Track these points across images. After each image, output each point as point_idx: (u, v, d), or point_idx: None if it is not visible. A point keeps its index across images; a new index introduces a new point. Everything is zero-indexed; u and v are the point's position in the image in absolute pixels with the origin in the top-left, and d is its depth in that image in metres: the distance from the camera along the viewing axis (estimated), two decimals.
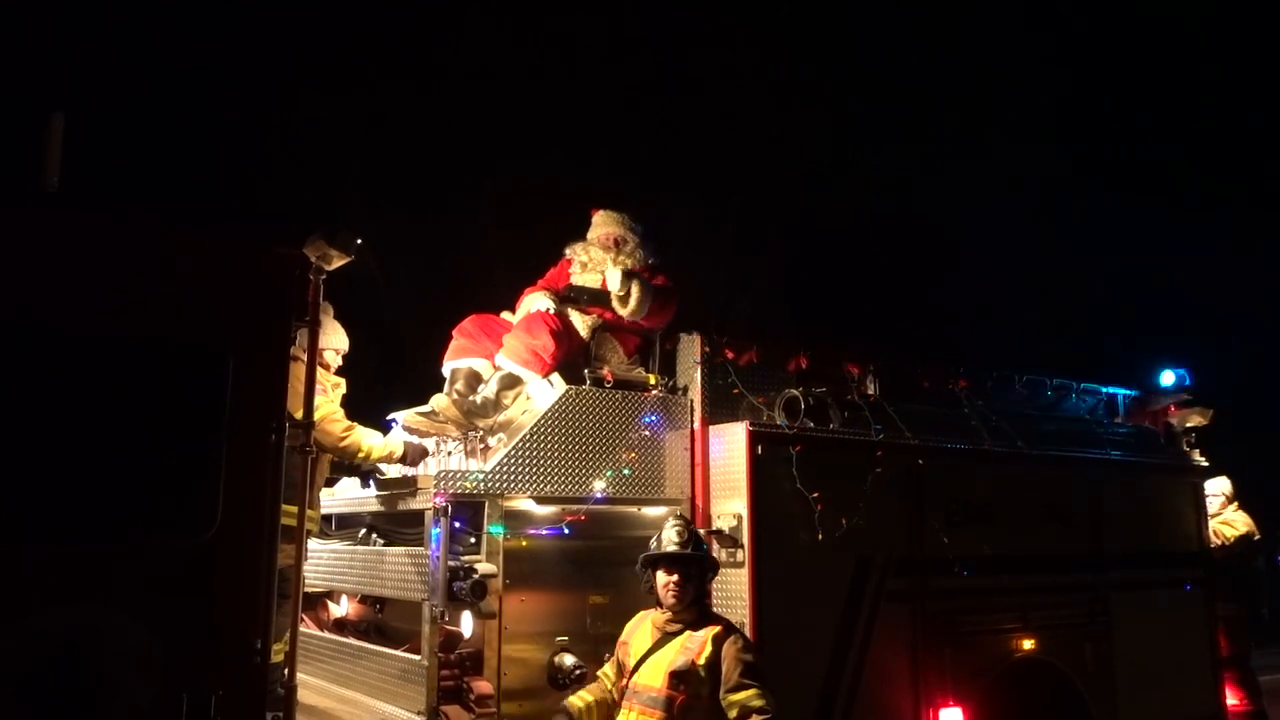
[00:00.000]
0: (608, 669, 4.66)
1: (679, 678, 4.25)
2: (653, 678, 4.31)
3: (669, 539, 4.53)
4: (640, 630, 4.55)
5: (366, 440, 5.54)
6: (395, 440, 5.51)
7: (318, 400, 5.27)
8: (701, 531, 4.76)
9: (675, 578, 4.45)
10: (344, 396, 5.73)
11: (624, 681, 4.44)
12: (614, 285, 5.87)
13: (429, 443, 5.92)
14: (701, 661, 4.27)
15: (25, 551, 3.68)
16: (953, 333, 14.68)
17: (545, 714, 5.00)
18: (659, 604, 4.53)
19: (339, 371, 5.81)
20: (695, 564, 4.52)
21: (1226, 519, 8.60)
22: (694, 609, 4.47)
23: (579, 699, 4.58)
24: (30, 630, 3.59)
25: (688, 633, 4.39)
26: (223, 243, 4.32)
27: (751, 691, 4.22)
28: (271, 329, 4.27)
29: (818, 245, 15.29)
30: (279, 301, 4.33)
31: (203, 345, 4.11)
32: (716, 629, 4.39)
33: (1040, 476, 7.00)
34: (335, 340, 5.70)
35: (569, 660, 5.05)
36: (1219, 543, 8.37)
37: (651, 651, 4.38)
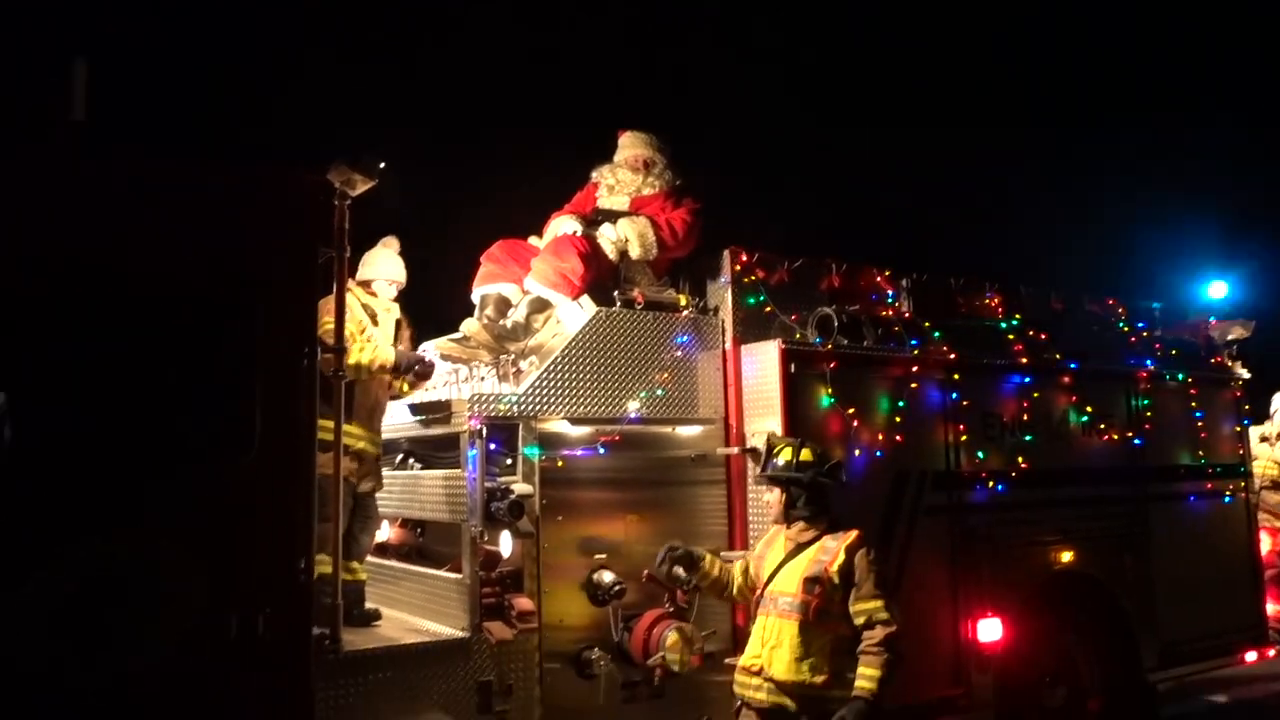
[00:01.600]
0: (738, 570, 4.90)
1: (812, 583, 4.47)
2: (788, 584, 4.53)
3: (775, 463, 4.76)
4: (774, 544, 4.75)
5: (367, 353, 5.24)
6: (384, 349, 5.29)
7: (369, 331, 5.29)
8: (784, 448, 4.80)
9: (772, 496, 4.73)
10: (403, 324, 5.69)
11: (758, 592, 4.66)
12: (610, 236, 5.78)
13: (459, 368, 5.93)
14: (834, 568, 4.48)
15: (73, 479, 3.77)
16: (989, 248, 14.45)
17: (584, 629, 5.10)
18: None
19: (398, 300, 5.71)
20: (772, 482, 4.72)
21: None
22: (823, 520, 4.66)
23: (710, 557, 4.91)
24: (82, 554, 3.69)
25: (821, 542, 4.59)
26: (249, 172, 4.34)
27: (879, 603, 4.43)
28: (299, 257, 4.29)
29: (850, 161, 15.00)
30: (305, 229, 4.34)
31: (233, 274, 4.14)
32: (850, 539, 4.58)
33: (1078, 389, 6.93)
34: (386, 269, 5.61)
35: (608, 577, 5.11)
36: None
37: (785, 561, 4.60)
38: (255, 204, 4.23)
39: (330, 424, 4.55)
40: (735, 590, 4.89)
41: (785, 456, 4.76)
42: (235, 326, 4.12)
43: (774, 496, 4.74)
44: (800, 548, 4.64)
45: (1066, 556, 6.61)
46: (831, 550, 4.56)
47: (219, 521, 3.99)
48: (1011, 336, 6.83)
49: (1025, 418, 6.63)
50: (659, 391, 5.50)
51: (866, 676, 4.32)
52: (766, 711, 4.53)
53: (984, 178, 16.16)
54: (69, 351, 3.83)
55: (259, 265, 4.16)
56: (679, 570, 4.85)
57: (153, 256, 3.99)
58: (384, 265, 5.63)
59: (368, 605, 5.27)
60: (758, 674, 4.53)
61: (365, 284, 5.56)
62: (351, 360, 5.01)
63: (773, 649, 4.49)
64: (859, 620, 4.43)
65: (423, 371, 5.54)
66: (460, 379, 5.97)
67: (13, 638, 3.55)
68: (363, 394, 5.22)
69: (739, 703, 4.71)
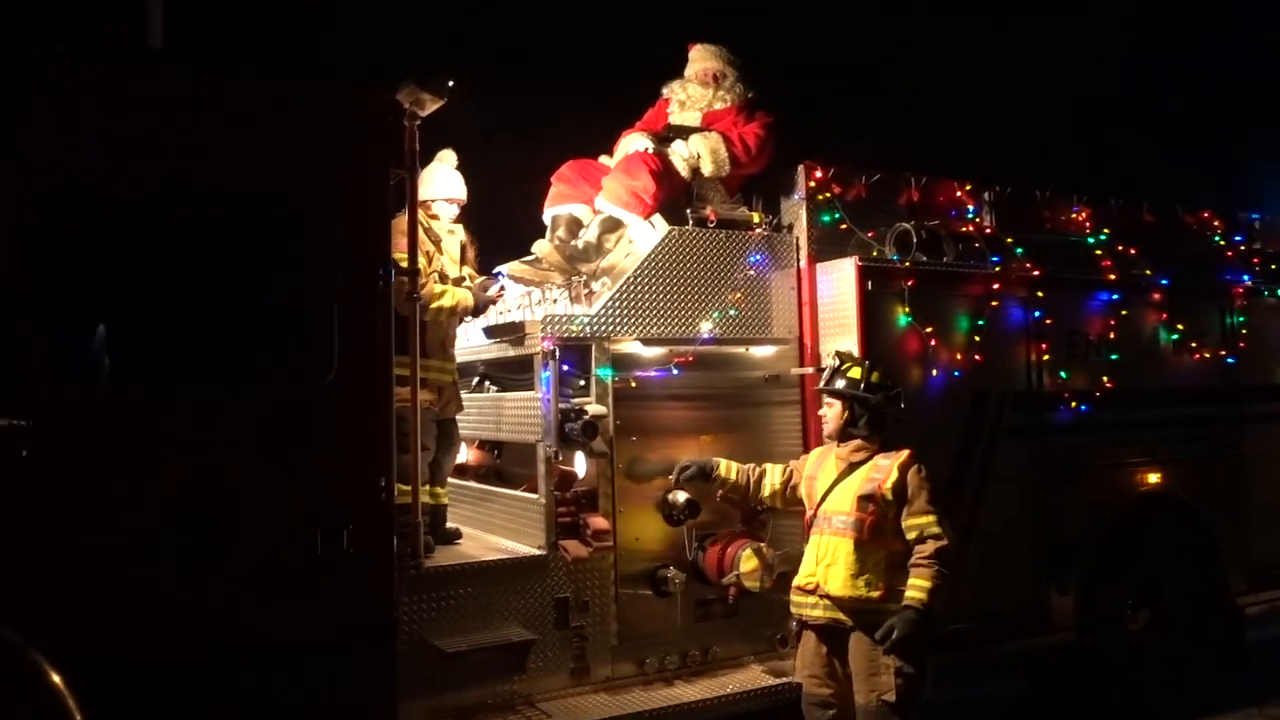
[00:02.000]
0: (775, 474, 5.02)
1: (867, 500, 4.54)
2: (842, 503, 4.59)
3: (825, 374, 4.88)
4: (825, 464, 4.81)
5: (447, 300, 5.21)
6: (461, 291, 5.25)
7: (436, 261, 5.25)
8: (854, 366, 4.84)
9: (829, 410, 4.79)
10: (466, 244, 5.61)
11: (811, 513, 4.73)
12: (682, 153, 5.64)
13: (533, 290, 5.92)
14: (888, 485, 4.55)
15: (162, 400, 3.88)
16: (1075, 161, 13.81)
17: (659, 548, 5.15)
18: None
19: (459, 220, 5.62)
20: (837, 395, 4.77)
21: None
22: (877, 441, 4.72)
23: (725, 464, 5.05)
24: (174, 473, 3.81)
25: (874, 461, 4.66)
26: (320, 92, 4.33)
27: (931, 518, 4.52)
28: (370, 178, 4.29)
29: (931, 66, 14.33)
30: (376, 149, 4.33)
31: (306, 195, 4.16)
32: (903, 457, 4.64)
33: (1169, 306, 6.67)
34: (444, 187, 5.47)
35: (682, 497, 5.12)
36: None
37: (838, 481, 4.66)
38: (327, 125, 4.22)
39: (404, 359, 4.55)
40: (767, 493, 5.01)
41: (855, 374, 4.80)
42: (311, 249, 4.15)
43: (834, 411, 4.79)
44: (853, 467, 4.70)
45: (1153, 478, 6.44)
46: (884, 468, 4.62)
47: (302, 442, 4.08)
48: (1099, 251, 6.59)
49: (1112, 336, 6.40)
50: (732, 311, 5.43)
51: (917, 587, 4.43)
52: (823, 628, 4.60)
53: (1073, 81, 15.33)
54: (159, 272, 3.92)
55: (332, 187, 4.18)
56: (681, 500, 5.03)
57: (229, 177, 4.03)
58: (441, 183, 5.47)
59: (448, 525, 5.37)
60: (812, 592, 4.60)
61: (424, 205, 5.32)
62: (433, 305, 5.05)
63: (828, 566, 4.55)
64: (911, 535, 4.52)
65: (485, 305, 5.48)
66: (533, 301, 5.97)
67: (128, 547, 3.71)
68: (434, 328, 5.20)
69: (796, 623, 4.77)
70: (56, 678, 3.53)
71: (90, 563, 3.68)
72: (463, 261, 5.56)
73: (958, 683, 5.75)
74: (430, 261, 5.22)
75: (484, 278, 5.58)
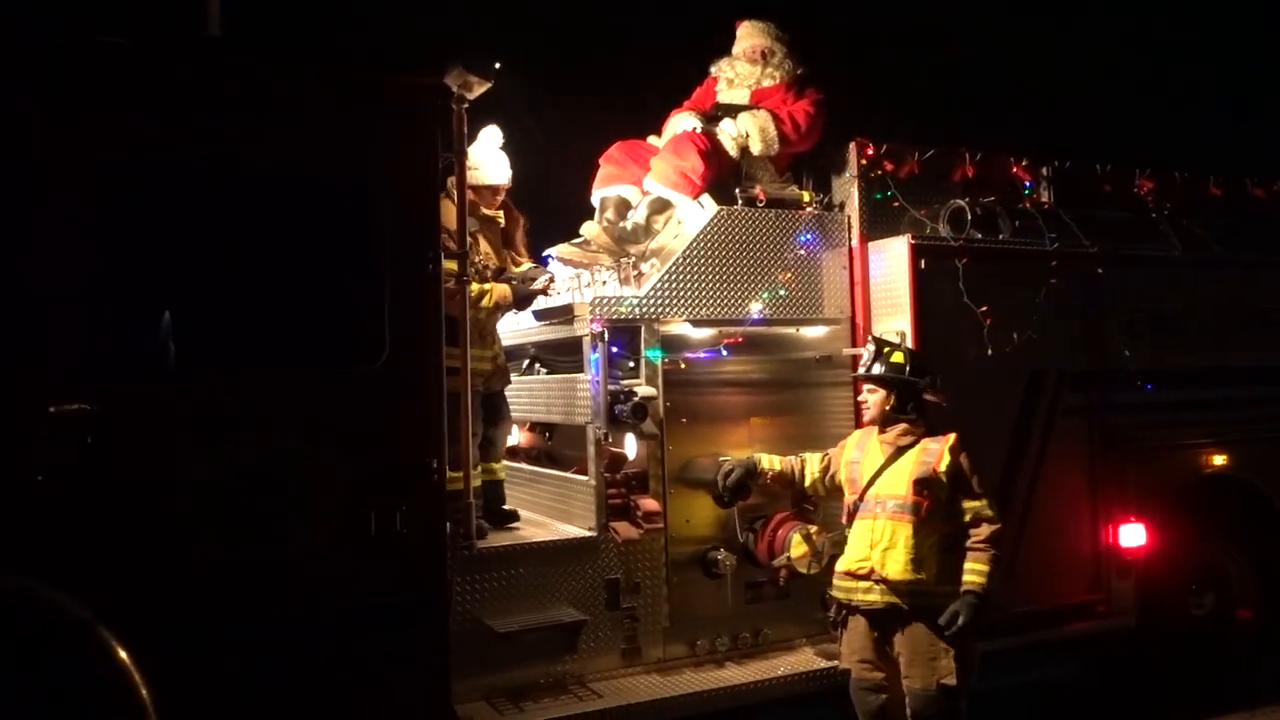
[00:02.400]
0: (812, 463, 5.00)
1: (923, 484, 4.52)
2: (896, 487, 4.56)
3: (862, 359, 4.82)
4: (868, 448, 4.75)
5: (488, 299, 5.13)
6: (500, 287, 5.14)
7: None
8: (896, 351, 4.78)
9: (872, 396, 4.72)
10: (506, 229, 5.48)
11: (855, 497, 4.68)
12: (730, 132, 5.57)
13: (581, 274, 5.90)
14: (942, 469, 4.53)
15: (220, 383, 3.95)
16: (1137, 131, 13.39)
17: (709, 530, 5.14)
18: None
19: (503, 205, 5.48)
20: (879, 381, 4.70)
21: None
22: (921, 423, 4.69)
23: (767, 458, 5.05)
24: (230, 452, 3.89)
25: (922, 444, 4.63)
26: (369, 77, 4.34)
27: (984, 501, 4.56)
28: (419, 161, 4.31)
29: (986, 38, 13.92)
30: (425, 133, 4.34)
31: (356, 180, 4.20)
32: (952, 441, 4.62)
33: (1237, 283, 6.47)
34: (487, 174, 5.32)
35: (731, 479, 5.09)
36: None
37: (887, 464, 4.63)
38: (377, 109, 4.24)
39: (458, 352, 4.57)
40: (807, 483, 5.00)
41: (898, 359, 4.73)
42: (362, 233, 4.19)
43: (876, 398, 4.72)
44: (900, 451, 4.65)
45: (1219, 459, 6.28)
46: (935, 452, 4.59)
47: (355, 424, 4.12)
48: (1163, 226, 6.39)
49: (1176, 314, 6.23)
50: (782, 291, 5.38)
51: (977, 572, 4.43)
52: (879, 613, 4.54)
53: (1136, 50, 14.82)
54: (216, 257, 4.00)
55: (381, 171, 4.21)
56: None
57: (282, 162, 4.07)
58: (482, 169, 5.26)
59: (506, 507, 5.36)
60: (866, 577, 4.54)
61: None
62: (482, 304, 5.01)
63: (885, 550, 4.50)
64: (966, 518, 4.53)
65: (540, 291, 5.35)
66: (582, 283, 5.97)
67: (189, 526, 3.80)
68: (472, 321, 5.08)
69: (840, 608, 4.68)
70: (124, 653, 3.64)
71: (154, 541, 3.77)
72: (510, 246, 5.50)
73: (1012, 668, 5.67)
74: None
75: (531, 265, 5.52)
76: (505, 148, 5.40)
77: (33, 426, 3.65)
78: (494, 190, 5.35)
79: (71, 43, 3.84)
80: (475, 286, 4.95)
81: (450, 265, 4.53)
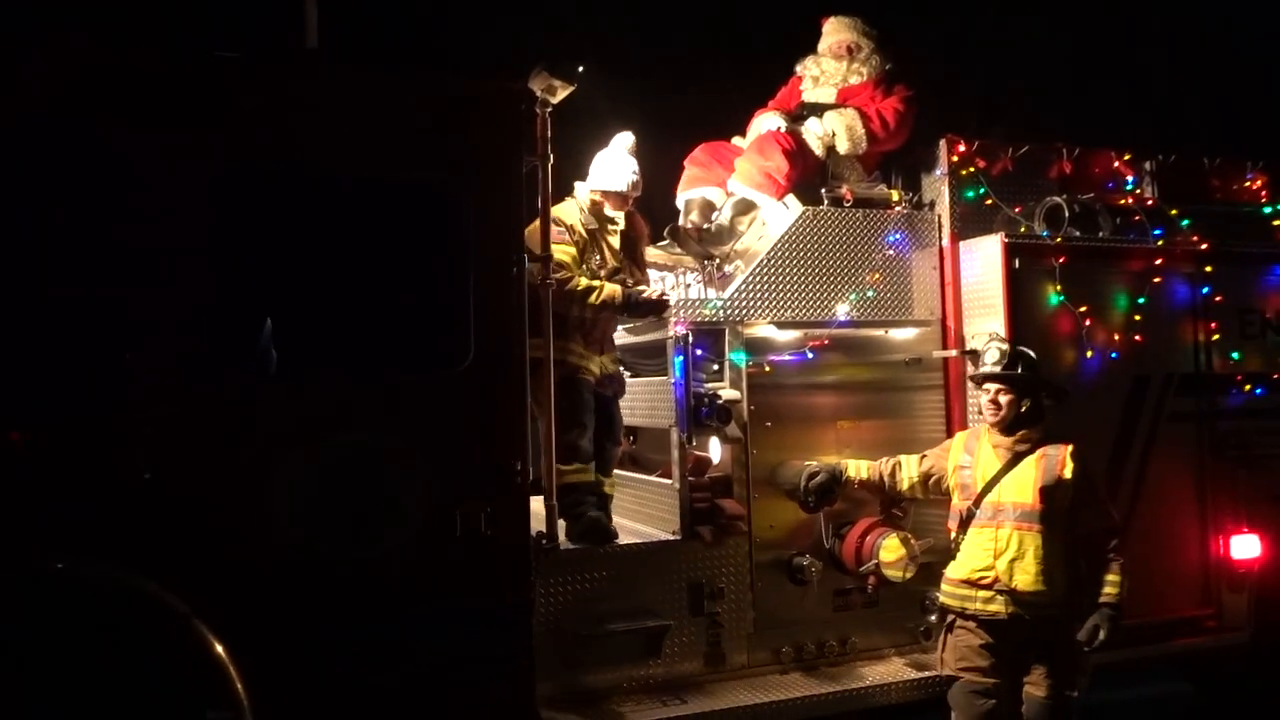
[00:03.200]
0: (911, 465, 4.88)
1: (1050, 492, 4.42)
2: (1022, 494, 4.45)
3: (989, 359, 4.63)
4: (981, 452, 4.62)
5: (595, 296, 4.92)
6: (611, 286, 4.94)
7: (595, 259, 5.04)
8: (1025, 356, 4.64)
9: (990, 395, 4.57)
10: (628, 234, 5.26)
11: (970, 503, 4.56)
12: (816, 131, 5.48)
13: (668, 277, 5.88)
14: (1068, 475, 4.45)
15: (311, 385, 4.05)
16: (1247, 123, 12.74)
17: (795, 535, 5.06)
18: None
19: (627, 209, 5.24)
20: (1011, 383, 4.55)
21: None
22: (1040, 428, 4.57)
23: (854, 464, 4.97)
24: (320, 453, 3.97)
25: (1042, 450, 4.51)
26: (457, 83, 4.41)
27: (1107, 509, 4.56)
28: (504, 165, 4.35)
29: (1085, 27, 13.38)
30: (509, 137, 4.38)
31: (442, 185, 4.26)
32: (1073, 447, 4.52)
33: None
34: (608, 179, 5.10)
35: (815, 483, 5.00)
36: None
37: (1005, 470, 4.52)
38: (464, 114, 4.30)
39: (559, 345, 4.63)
40: (905, 486, 4.88)
41: (1026, 363, 4.60)
42: (450, 237, 4.25)
43: (1007, 399, 4.54)
44: (1019, 457, 4.53)
45: None
46: (1057, 459, 4.48)
47: (441, 426, 4.17)
48: (1276, 222, 6.07)
49: None
50: (870, 293, 5.27)
51: (1112, 583, 4.38)
52: (1001, 623, 4.43)
53: (1249, 35, 14.05)
54: (311, 261, 4.10)
55: (468, 176, 4.26)
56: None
57: (374, 167, 4.16)
58: (596, 173, 5.17)
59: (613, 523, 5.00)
60: (988, 586, 4.43)
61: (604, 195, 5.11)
62: (589, 300, 4.86)
63: (1012, 560, 4.40)
64: (1095, 526, 4.46)
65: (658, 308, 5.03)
66: (667, 286, 5.94)
67: (283, 525, 3.89)
68: (578, 319, 5.01)
69: (951, 616, 4.59)
70: (220, 648, 3.74)
71: (250, 540, 3.87)
72: (633, 258, 5.26)
73: (1120, 684, 5.44)
74: (582, 256, 4.97)
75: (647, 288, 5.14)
76: (635, 153, 5.22)
77: (138, 425, 3.79)
78: (620, 196, 5.16)
79: (191, 55, 3.99)
80: (583, 281, 4.90)
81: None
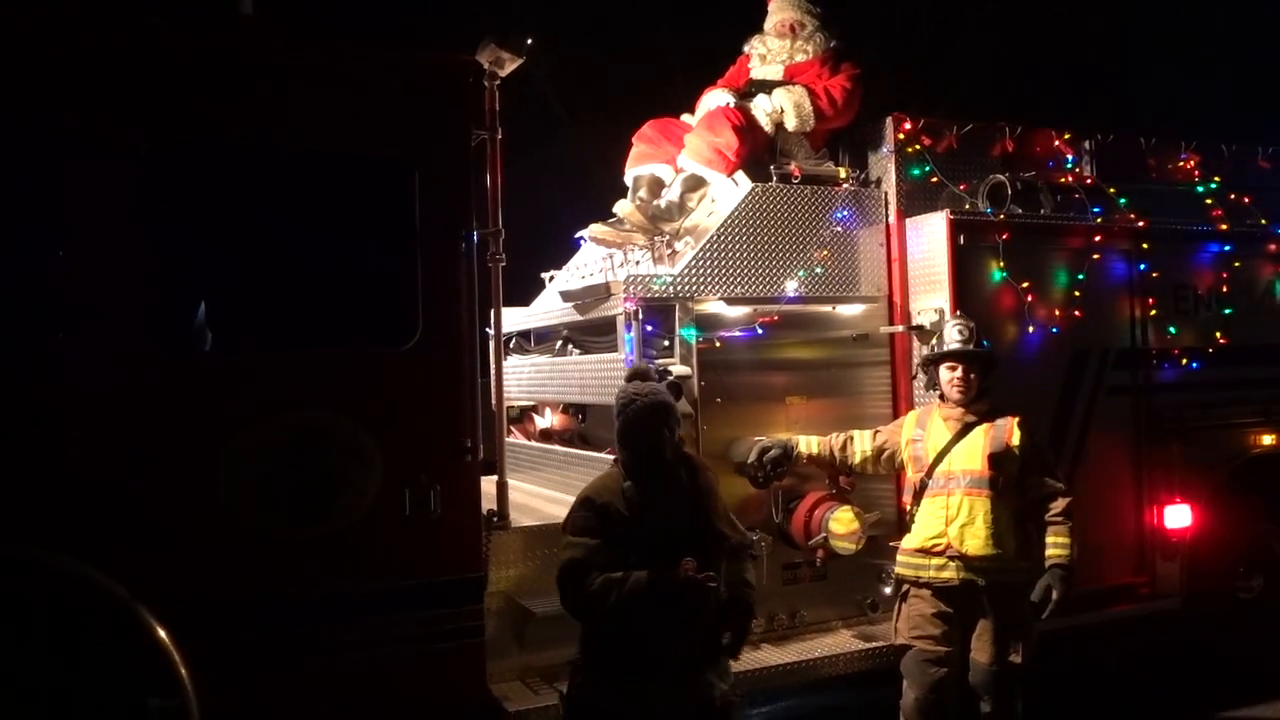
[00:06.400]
0: (863, 440, 4.92)
1: (999, 459, 4.54)
2: (971, 462, 4.57)
3: (952, 337, 4.70)
4: (931, 425, 4.72)
5: None
6: None
7: None
8: (975, 326, 4.78)
9: (958, 373, 4.65)
10: None
11: (922, 474, 4.66)
12: (764, 107, 5.49)
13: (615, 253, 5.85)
14: (1015, 444, 4.58)
15: (253, 361, 3.95)
16: (1184, 104, 13.04)
17: (743, 511, 5.08)
18: (942, 399, 4.75)
19: None
20: (977, 359, 4.66)
21: None
22: (987, 400, 4.69)
23: (804, 439, 4.99)
24: (266, 431, 3.89)
25: (990, 420, 4.64)
26: (399, 54, 4.32)
27: (1057, 475, 4.69)
28: (451, 138, 4.28)
29: (1026, 7, 13.53)
30: (457, 110, 4.31)
31: (388, 158, 4.19)
32: (1018, 417, 4.65)
33: None
34: None
35: (766, 459, 5.03)
36: None
37: (955, 441, 4.62)
38: (409, 86, 4.22)
39: None
40: (857, 460, 4.94)
41: (959, 333, 4.71)
42: (395, 211, 4.17)
43: (973, 376, 4.66)
44: (968, 427, 4.63)
45: (1268, 439, 6.12)
46: (1005, 427, 4.62)
47: (388, 403, 4.12)
48: (1210, 200, 6.24)
49: (1224, 290, 6.10)
50: (818, 269, 5.30)
51: (1060, 545, 4.51)
52: (954, 589, 4.54)
53: (1186, 18, 14.33)
54: (249, 235, 4.00)
55: (414, 149, 4.18)
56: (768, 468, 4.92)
57: (313, 138, 4.06)
58: None
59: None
60: (941, 553, 4.54)
61: None
62: None
63: (963, 527, 4.51)
64: (1042, 491, 4.59)
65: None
66: (615, 264, 5.92)
67: (227, 506, 3.82)
68: None
69: (905, 586, 4.67)
70: (162, 633, 3.65)
71: (193, 521, 3.79)
72: None
73: (1054, 651, 5.57)
74: None
75: None
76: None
77: (75, 404, 3.67)
78: None
79: (123, 21, 3.85)
80: None
81: None
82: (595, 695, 3.63)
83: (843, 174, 5.52)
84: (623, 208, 5.58)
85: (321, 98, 4.09)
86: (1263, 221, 6.26)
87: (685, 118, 5.92)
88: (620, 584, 3.48)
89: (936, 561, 4.55)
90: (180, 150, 3.88)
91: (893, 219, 5.49)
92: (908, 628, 4.65)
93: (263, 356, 3.98)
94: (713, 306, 5.08)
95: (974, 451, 4.56)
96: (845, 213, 5.41)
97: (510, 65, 4.44)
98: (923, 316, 5.30)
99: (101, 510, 3.67)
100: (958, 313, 5.02)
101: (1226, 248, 6.11)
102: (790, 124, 5.49)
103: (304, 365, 4.03)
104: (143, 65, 3.83)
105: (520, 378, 6.30)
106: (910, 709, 4.63)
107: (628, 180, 5.89)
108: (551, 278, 6.55)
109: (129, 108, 3.79)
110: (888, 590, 5.05)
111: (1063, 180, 5.85)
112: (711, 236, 5.12)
